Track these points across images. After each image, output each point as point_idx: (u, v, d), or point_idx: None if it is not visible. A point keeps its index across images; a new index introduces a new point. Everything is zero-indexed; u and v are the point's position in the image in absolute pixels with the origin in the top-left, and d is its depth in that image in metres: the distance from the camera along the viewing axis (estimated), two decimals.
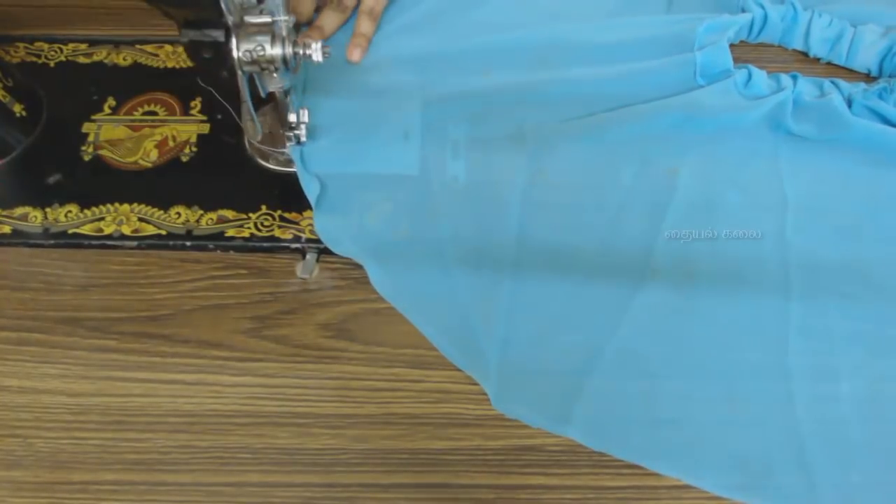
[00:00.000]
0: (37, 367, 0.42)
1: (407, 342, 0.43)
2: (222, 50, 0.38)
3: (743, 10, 0.55)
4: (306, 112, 0.46)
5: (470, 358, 0.42)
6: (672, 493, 0.39)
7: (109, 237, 0.45)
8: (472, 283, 0.44)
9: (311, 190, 0.45)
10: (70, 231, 0.45)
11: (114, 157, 0.48)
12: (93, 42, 0.53)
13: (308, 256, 0.45)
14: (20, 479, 0.39)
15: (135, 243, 0.45)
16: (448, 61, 0.52)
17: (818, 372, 0.42)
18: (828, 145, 0.49)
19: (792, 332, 0.43)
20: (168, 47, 0.53)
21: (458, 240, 0.45)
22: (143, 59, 0.53)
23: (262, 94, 0.42)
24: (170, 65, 0.52)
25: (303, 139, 0.46)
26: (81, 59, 0.53)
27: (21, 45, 0.53)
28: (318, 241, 0.45)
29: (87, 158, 0.48)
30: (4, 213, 0.45)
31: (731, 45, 0.53)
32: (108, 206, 0.46)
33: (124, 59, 0.53)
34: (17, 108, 0.47)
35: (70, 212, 0.45)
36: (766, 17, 0.55)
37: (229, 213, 0.46)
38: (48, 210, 0.46)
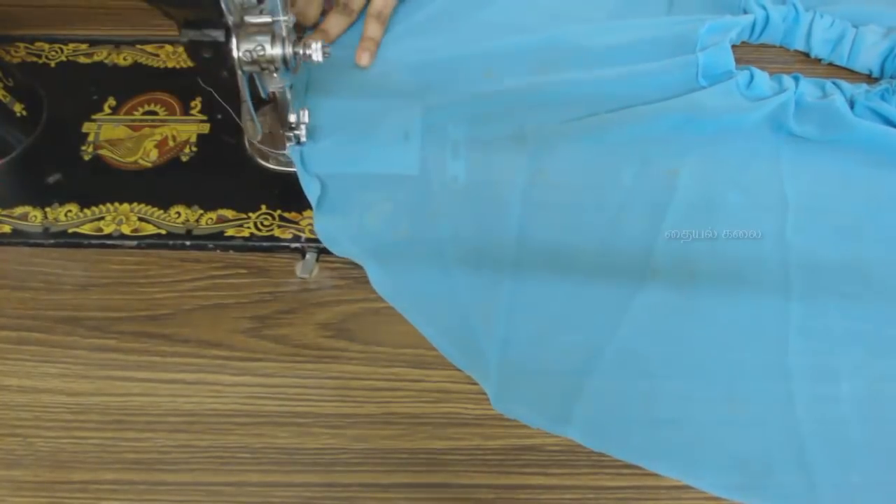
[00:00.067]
0: (37, 367, 0.42)
1: (407, 342, 0.43)
2: (222, 50, 0.38)
3: (745, 11, 0.55)
4: (306, 112, 0.46)
5: (470, 358, 0.42)
6: (672, 493, 0.39)
7: (109, 237, 0.45)
8: (472, 284, 0.44)
9: (311, 191, 0.45)
10: (70, 230, 0.45)
11: (114, 156, 0.48)
12: (93, 42, 0.53)
13: (308, 256, 0.45)
14: (20, 478, 0.39)
15: (135, 243, 0.45)
16: (450, 64, 0.52)
17: (818, 372, 0.42)
18: (829, 146, 0.49)
19: (792, 333, 0.43)
20: (168, 47, 0.53)
21: (459, 240, 0.45)
22: (143, 59, 0.53)
23: (263, 94, 0.42)
24: (170, 65, 0.52)
25: (303, 139, 0.46)
26: (82, 59, 0.53)
27: (21, 45, 0.53)
28: (317, 240, 0.45)
29: (87, 158, 0.48)
30: (4, 212, 0.45)
31: (733, 46, 0.53)
32: (108, 205, 0.46)
33: (124, 59, 0.53)
34: (18, 108, 0.47)
35: (70, 211, 0.46)
36: (767, 18, 0.55)
37: (229, 213, 0.46)
38: (48, 209, 0.46)
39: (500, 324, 0.43)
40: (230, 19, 0.37)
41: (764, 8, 0.55)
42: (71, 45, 0.53)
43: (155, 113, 0.50)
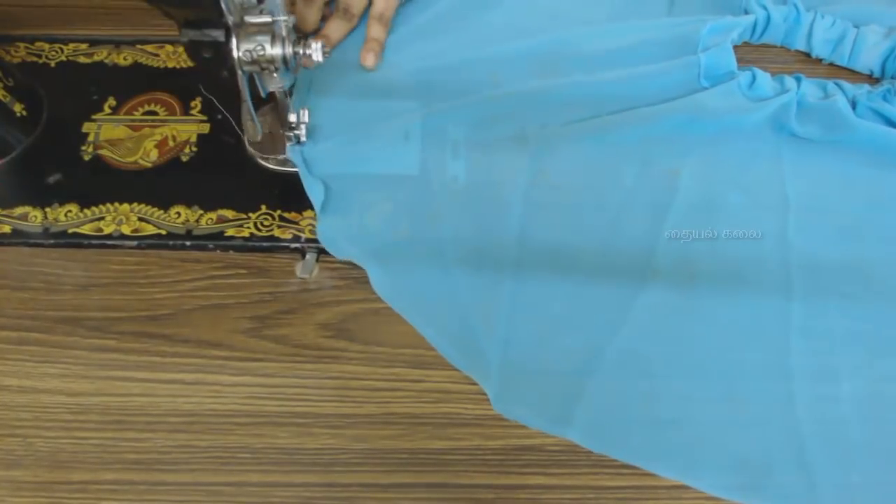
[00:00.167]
0: (37, 367, 0.42)
1: (407, 342, 0.43)
2: (222, 50, 0.38)
3: (746, 12, 0.55)
4: (306, 112, 0.46)
5: (471, 359, 0.42)
6: (671, 492, 0.39)
7: (109, 237, 0.45)
8: (473, 284, 0.44)
9: (315, 195, 0.45)
10: (70, 231, 0.45)
11: (114, 156, 0.48)
12: (93, 42, 0.53)
13: (308, 256, 0.45)
14: (20, 478, 0.39)
15: (135, 243, 0.45)
16: (452, 68, 0.52)
17: (819, 372, 0.42)
18: (830, 146, 0.49)
19: (793, 333, 0.43)
20: (168, 47, 0.53)
21: (459, 240, 0.45)
22: (143, 59, 0.53)
23: (263, 94, 0.42)
24: (170, 65, 0.52)
25: (303, 139, 0.46)
26: (82, 59, 0.53)
27: (22, 44, 0.53)
28: (317, 240, 0.45)
29: (87, 158, 0.48)
30: (4, 212, 0.45)
31: (734, 46, 0.53)
32: (108, 205, 0.46)
33: (125, 59, 0.53)
34: (18, 108, 0.47)
35: (70, 211, 0.46)
36: (768, 19, 0.55)
37: (229, 213, 0.46)
38: (48, 210, 0.46)
39: (501, 324, 0.43)
40: (230, 19, 0.37)
41: (765, 8, 0.55)
42: (71, 45, 0.53)
43: (155, 113, 0.50)
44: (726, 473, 0.39)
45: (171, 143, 0.48)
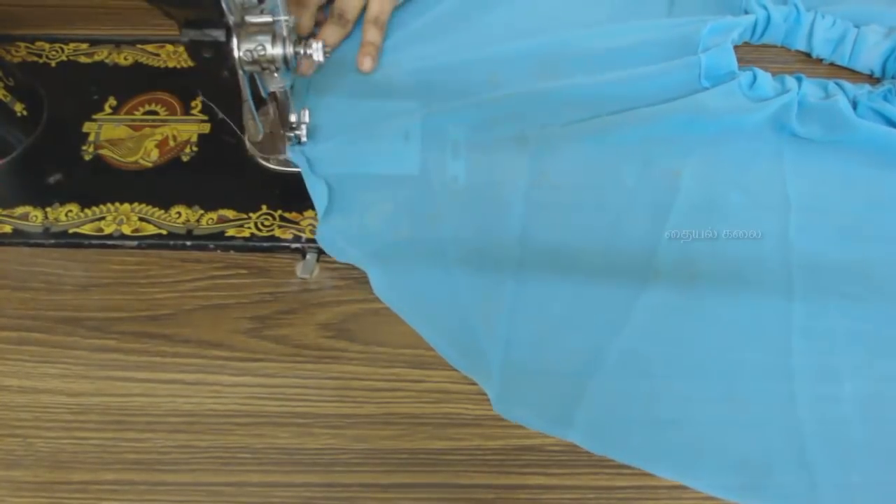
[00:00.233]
0: (37, 367, 0.42)
1: (407, 342, 0.43)
2: (223, 50, 0.38)
3: (746, 12, 0.55)
4: (307, 112, 0.46)
5: (472, 361, 0.42)
6: (671, 493, 0.39)
7: (110, 237, 0.45)
8: (474, 285, 0.44)
9: (318, 196, 0.45)
10: (70, 231, 0.45)
11: (114, 156, 0.48)
12: (94, 42, 0.53)
13: (308, 256, 0.45)
14: (20, 478, 0.39)
15: (135, 243, 0.45)
16: (452, 70, 0.51)
17: (820, 372, 0.42)
18: (831, 146, 0.49)
19: (794, 333, 0.43)
20: (169, 47, 0.53)
21: (460, 241, 0.45)
22: (143, 59, 0.53)
23: (263, 94, 0.42)
24: (171, 65, 0.52)
25: (303, 139, 0.46)
26: (82, 59, 0.53)
27: (22, 44, 0.53)
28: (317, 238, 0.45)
29: (87, 158, 0.48)
30: (5, 212, 0.45)
31: (734, 47, 0.53)
32: (109, 205, 0.46)
33: (125, 59, 0.53)
34: (18, 108, 0.47)
35: (70, 211, 0.46)
36: (769, 19, 0.55)
37: (230, 213, 0.46)
38: (49, 210, 0.46)
39: (502, 325, 0.43)
40: (231, 19, 0.37)
41: (765, 8, 0.54)
42: (71, 45, 0.53)
43: (156, 113, 0.50)
44: (727, 474, 0.39)
45: (171, 143, 0.48)
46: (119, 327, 0.43)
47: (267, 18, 0.38)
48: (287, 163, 0.47)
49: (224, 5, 0.36)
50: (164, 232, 0.45)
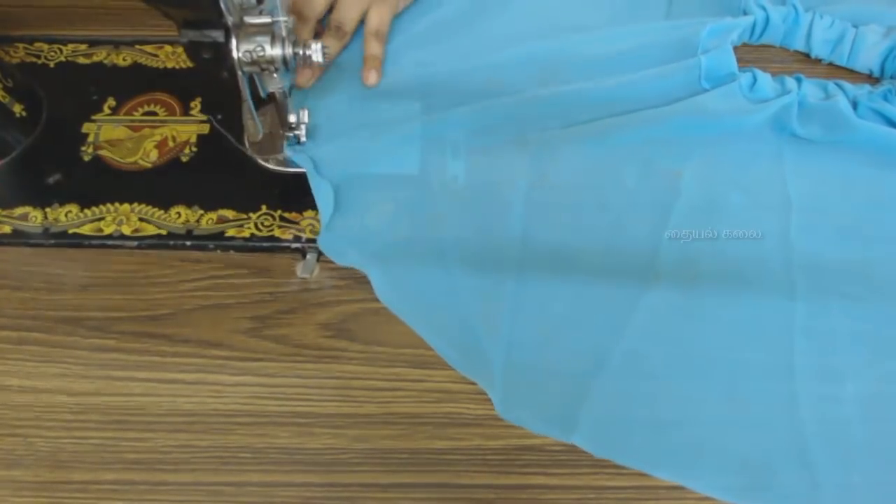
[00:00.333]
0: (37, 367, 0.42)
1: (407, 342, 0.43)
2: (222, 50, 0.38)
3: (744, 13, 0.55)
4: (306, 112, 0.46)
5: (474, 364, 0.42)
6: (671, 493, 0.39)
7: (109, 237, 0.45)
8: (475, 286, 0.44)
9: (323, 200, 0.45)
10: (70, 231, 0.45)
11: (114, 157, 0.48)
12: (92, 42, 0.53)
13: (308, 256, 0.45)
14: (20, 478, 0.39)
15: (135, 243, 0.45)
16: (452, 76, 0.51)
17: (822, 372, 0.42)
18: (831, 147, 0.49)
19: (796, 333, 0.43)
20: (168, 48, 0.53)
21: (461, 242, 0.45)
22: (142, 60, 0.53)
23: (262, 95, 0.42)
24: (169, 65, 0.52)
25: (303, 139, 0.46)
26: (81, 60, 0.53)
27: (21, 45, 0.53)
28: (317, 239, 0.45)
29: (87, 158, 0.48)
30: (4, 213, 0.45)
31: (733, 47, 0.53)
32: (109, 205, 0.46)
33: (124, 60, 0.53)
34: (17, 109, 0.47)
35: (70, 212, 0.46)
36: (767, 19, 0.55)
37: (229, 213, 0.46)
38: (48, 210, 0.46)
39: (505, 326, 0.42)
40: (230, 20, 0.37)
41: (764, 9, 0.54)
42: (70, 46, 0.53)
43: (155, 113, 0.50)
44: (728, 475, 0.39)
45: (170, 144, 0.48)
46: (119, 327, 0.43)
47: (266, 19, 0.38)
48: (286, 163, 0.47)
49: (223, 6, 0.36)
50: (164, 232, 0.45)
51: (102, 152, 0.48)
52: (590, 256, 0.45)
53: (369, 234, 0.45)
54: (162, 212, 0.46)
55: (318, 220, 0.45)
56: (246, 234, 0.45)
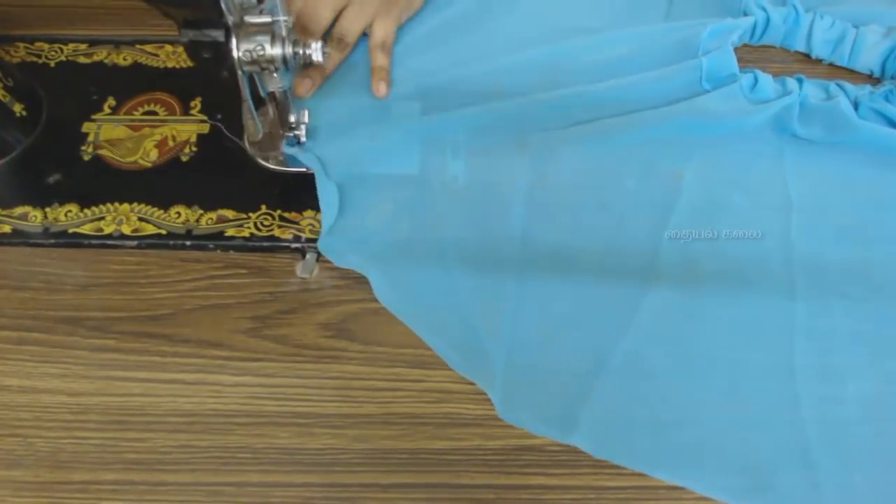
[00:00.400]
0: (37, 367, 0.42)
1: (407, 342, 0.43)
2: (222, 50, 0.38)
3: (745, 14, 0.55)
4: (306, 112, 0.46)
5: (475, 365, 0.42)
6: (671, 493, 0.39)
7: (109, 237, 0.45)
8: (476, 287, 0.44)
9: (328, 205, 0.45)
10: (70, 230, 0.45)
11: (114, 156, 0.48)
12: (93, 42, 0.53)
13: (308, 256, 0.45)
14: (20, 478, 0.39)
15: (135, 243, 0.45)
16: (454, 79, 0.51)
17: (823, 373, 0.42)
18: (832, 147, 0.49)
19: (797, 333, 0.43)
20: (168, 47, 0.53)
21: (462, 243, 0.45)
22: (143, 59, 0.53)
23: (262, 94, 0.42)
24: (170, 65, 0.52)
25: (302, 139, 0.46)
26: (81, 59, 0.53)
27: (21, 44, 0.53)
28: (317, 240, 0.45)
29: (87, 158, 0.48)
30: (4, 212, 0.45)
31: (734, 48, 0.53)
32: (108, 205, 0.46)
33: (124, 59, 0.53)
34: (18, 108, 0.47)
35: (70, 211, 0.45)
36: (768, 20, 0.55)
37: (229, 213, 0.46)
38: (48, 210, 0.46)
39: (506, 327, 0.42)
40: (230, 19, 0.37)
41: (764, 10, 0.54)
42: (71, 45, 0.53)
43: (155, 113, 0.50)
44: (729, 475, 0.39)
45: (170, 143, 0.48)
46: (119, 327, 0.43)
47: (266, 19, 0.38)
48: (286, 162, 0.47)
49: (223, 5, 0.36)
50: (164, 232, 0.45)
51: (102, 152, 0.48)
52: (590, 257, 0.45)
53: (369, 234, 0.45)
54: (162, 211, 0.46)
55: (317, 220, 0.45)
56: (246, 233, 0.45)
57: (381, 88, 0.50)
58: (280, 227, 0.45)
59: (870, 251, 0.46)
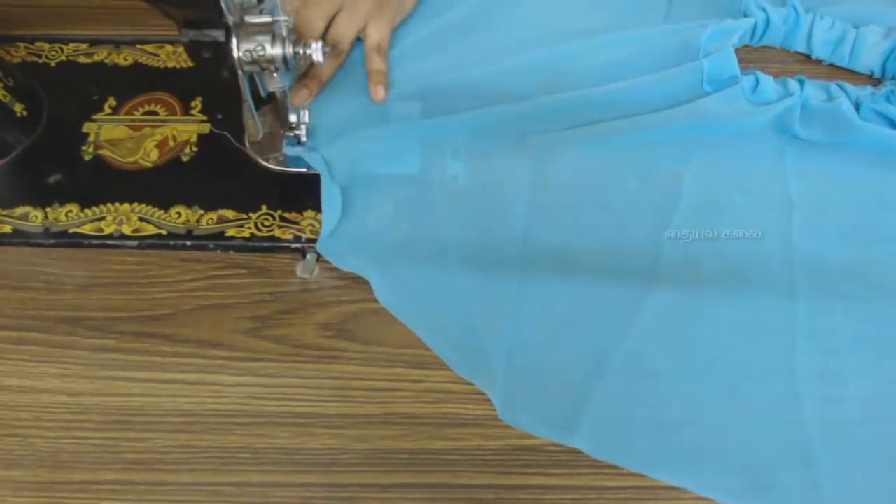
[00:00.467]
0: (37, 367, 0.42)
1: (407, 342, 0.43)
2: (222, 50, 0.38)
3: (745, 15, 0.55)
4: (306, 112, 0.46)
5: (476, 367, 0.42)
6: (671, 493, 0.39)
7: (110, 237, 0.45)
8: (477, 287, 0.44)
9: (331, 207, 0.45)
10: (70, 230, 0.45)
11: (114, 156, 0.48)
12: (93, 42, 0.53)
13: (308, 256, 0.45)
14: (20, 478, 0.39)
15: (135, 243, 0.45)
16: (454, 84, 0.51)
17: (824, 373, 0.42)
18: (833, 148, 0.49)
19: (798, 333, 0.43)
20: (168, 47, 0.53)
21: (462, 243, 0.45)
22: (143, 59, 0.53)
23: (263, 94, 0.42)
24: (170, 65, 0.52)
25: (303, 139, 0.46)
26: (82, 59, 0.53)
27: (22, 44, 0.53)
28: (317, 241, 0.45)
29: (87, 158, 0.48)
30: (5, 212, 0.45)
31: (734, 49, 0.53)
32: (109, 205, 0.46)
33: (125, 59, 0.53)
34: (18, 108, 0.47)
35: (70, 211, 0.46)
36: (768, 21, 0.54)
37: (229, 213, 0.46)
38: (49, 210, 0.46)
39: (507, 328, 0.42)
40: (230, 19, 0.37)
41: (764, 10, 0.54)
42: (71, 45, 0.53)
43: (155, 113, 0.50)
44: (730, 476, 0.39)
45: (171, 143, 0.48)
46: (119, 327, 0.43)
47: (266, 18, 0.38)
48: (286, 163, 0.47)
49: (223, 5, 0.36)
50: (164, 232, 0.45)
51: (103, 152, 0.48)
52: (591, 257, 0.45)
53: (369, 235, 0.45)
54: (162, 211, 0.46)
55: (318, 221, 0.45)
56: (246, 233, 0.45)
57: (380, 92, 0.50)
58: (280, 227, 0.45)
59: (871, 251, 0.46)
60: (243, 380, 0.42)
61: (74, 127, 0.49)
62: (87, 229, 0.45)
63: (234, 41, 0.38)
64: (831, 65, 0.55)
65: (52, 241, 0.45)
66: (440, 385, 0.42)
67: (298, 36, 0.48)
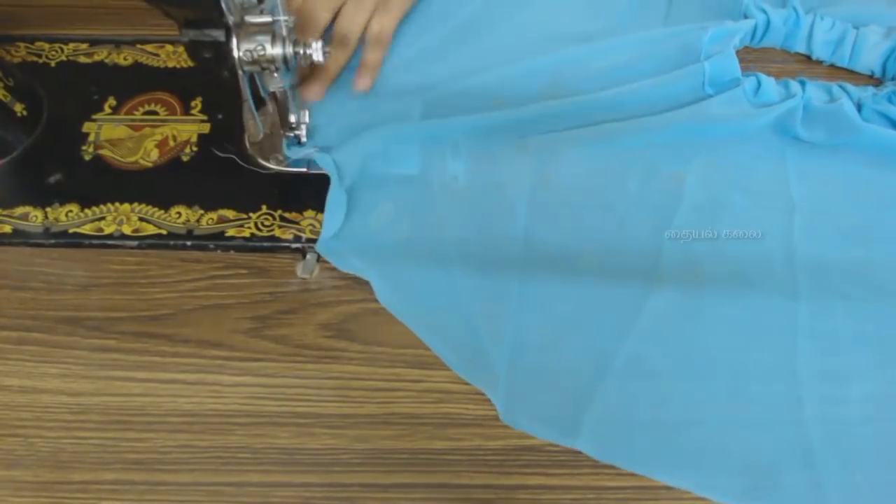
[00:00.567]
0: (37, 367, 0.42)
1: (407, 342, 0.43)
2: (223, 50, 0.38)
3: (745, 16, 0.55)
4: (307, 112, 0.46)
5: (477, 369, 0.42)
6: (672, 492, 0.39)
7: (110, 237, 0.45)
8: (478, 288, 0.44)
9: (335, 210, 0.45)
10: (70, 230, 0.45)
11: (114, 156, 0.48)
12: (93, 42, 0.53)
13: (308, 256, 0.45)
14: (20, 478, 0.39)
15: (135, 243, 0.45)
16: (455, 93, 0.51)
17: (825, 373, 0.42)
18: (835, 149, 0.49)
19: (800, 334, 0.43)
20: (169, 47, 0.53)
21: (463, 244, 0.45)
22: (143, 59, 0.53)
23: (263, 94, 0.42)
24: (170, 65, 0.52)
25: (303, 139, 0.46)
26: (82, 59, 0.53)
27: (22, 44, 0.53)
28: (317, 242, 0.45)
29: (87, 158, 0.48)
30: (5, 212, 0.45)
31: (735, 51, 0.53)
32: (109, 205, 0.46)
33: (125, 59, 0.53)
34: (18, 108, 0.47)
35: (70, 211, 0.46)
36: (768, 22, 0.54)
37: (230, 213, 0.46)
38: (49, 210, 0.46)
39: (509, 329, 0.42)
40: (230, 19, 0.37)
41: (764, 12, 0.54)
42: (71, 45, 0.53)
43: (155, 113, 0.50)
44: (732, 476, 0.39)
45: (171, 143, 0.48)
46: (119, 327, 0.43)
47: (266, 18, 0.38)
48: (286, 163, 0.47)
49: (224, 5, 0.36)
50: (164, 232, 0.45)
51: (103, 152, 0.48)
52: (592, 258, 0.45)
53: (370, 235, 0.45)
54: (162, 211, 0.46)
55: (318, 221, 0.45)
56: (246, 233, 0.45)
57: (362, 83, 0.49)
58: (280, 227, 0.45)
59: (872, 252, 0.46)
60: (243, 380, 0.42)
61: (74, 127, 0.49)
62: (87, 229, 0.45)
63: (235, 41, 0.38)
64: (832, 65, 0.55)
65: (53, 241, 0.45)
66: (440, 385, 0.42)
67: (303, 28, 0.48)
